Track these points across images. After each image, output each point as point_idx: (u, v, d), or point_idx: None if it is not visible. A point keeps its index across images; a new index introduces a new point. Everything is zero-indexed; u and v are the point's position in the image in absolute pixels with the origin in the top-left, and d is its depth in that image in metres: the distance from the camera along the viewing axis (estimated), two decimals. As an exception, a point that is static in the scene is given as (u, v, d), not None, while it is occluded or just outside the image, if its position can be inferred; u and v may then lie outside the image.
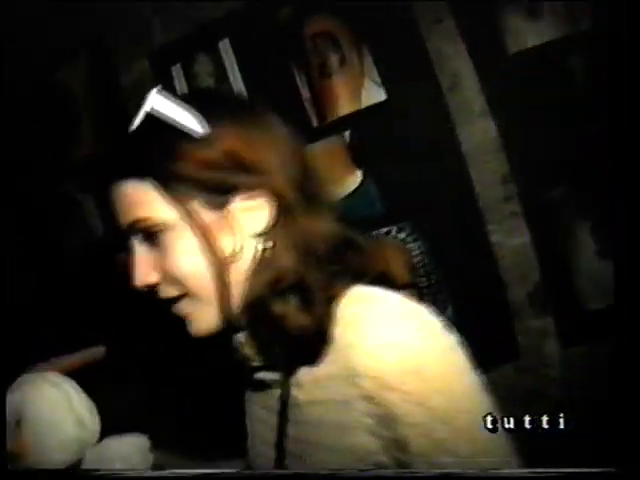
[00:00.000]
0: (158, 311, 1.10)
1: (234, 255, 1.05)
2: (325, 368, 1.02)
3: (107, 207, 2.61)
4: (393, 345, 0.95)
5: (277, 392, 1.08)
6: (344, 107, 2.14)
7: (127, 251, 2.54)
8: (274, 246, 1.06)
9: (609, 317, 1.94)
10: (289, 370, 1.06)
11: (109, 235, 2.64)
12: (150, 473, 0.91)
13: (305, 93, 2.21)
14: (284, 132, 1.12)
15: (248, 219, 1.06)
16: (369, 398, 0.95)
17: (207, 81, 2.37)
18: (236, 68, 2.31)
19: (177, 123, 1.04)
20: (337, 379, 0.99)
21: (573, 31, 1.87)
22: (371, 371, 0.95)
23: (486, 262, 2.09)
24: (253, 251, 1.07)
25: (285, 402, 1.07)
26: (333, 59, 2.15)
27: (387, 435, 0.96)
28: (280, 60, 2.25)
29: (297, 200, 1.06)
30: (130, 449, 0.93)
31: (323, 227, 1.07)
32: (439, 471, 0.92)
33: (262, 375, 1.11)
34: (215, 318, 1.07)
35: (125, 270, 2.74)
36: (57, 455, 0.88)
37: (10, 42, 2.54)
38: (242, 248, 1.06)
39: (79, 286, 2.67)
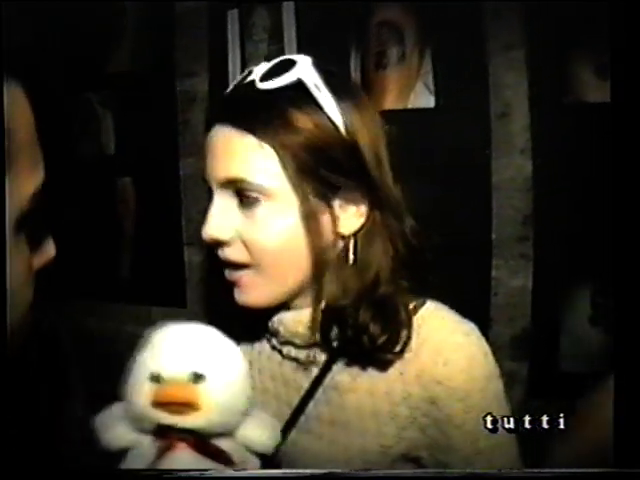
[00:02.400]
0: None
1: (325, 249, 1.04)
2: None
3: (124, 129, 2.59)
4: (463, 359, 1.04)
5: (309, 372, 1.10)
6: (389, 102, 2.09)
7: (136, 178, 2.47)
8: (366, 250, 1.06)
9: (580, 383, 2.00)
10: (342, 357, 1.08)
11: (119, 157, 2.61)
12: (153, 472, 0.90)
13: (356, 77, 2.16)
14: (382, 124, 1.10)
15: (344, 218, 1.04)
16: (433, 400, 1.03)
17: (260, 35, 2.32)
18: (293, 31, 2.25)
19: (321, 103, 1.01)
20: (405, 377, 1.04)
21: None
22: (446, 380, 1.02)
23: (480, 295, 2.07)
24: (343, 251, 1.06)
25: (319, 383, 1.08)
26: (393, 51, 2.10)
27: (435, 434, 1.04)
28: (339, 37, 2.21)
29: (392, 202, 1.07)
30: (260, 426, 0.96)
31: (406, 233, 1.09)
32: (439, 471, 0.98)
33: (298, 353, 1.10)
34: (273, 297, 1.06)
35: (124, 196, 2.70)
36: (235, 420, 0.91)
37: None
38: (335, 245, 1.05)
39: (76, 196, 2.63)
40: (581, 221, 1.92)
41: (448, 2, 1.98)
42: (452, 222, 2.03)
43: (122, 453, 0.91)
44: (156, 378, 0.89)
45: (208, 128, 1.06)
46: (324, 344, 1.08)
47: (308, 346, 1.09)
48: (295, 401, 1.09)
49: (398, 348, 1.04)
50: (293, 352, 1.10)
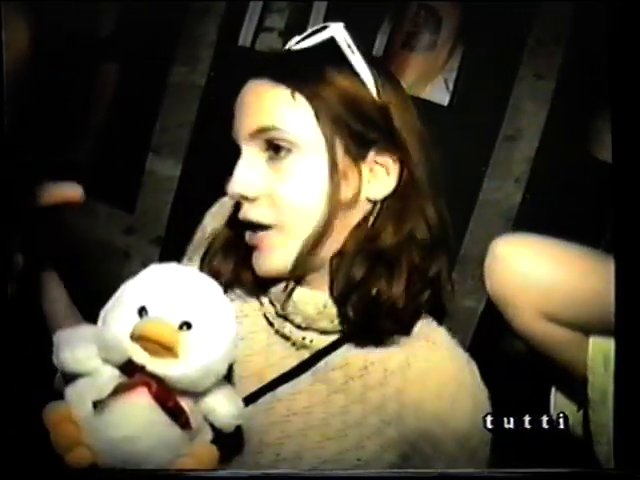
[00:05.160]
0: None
1: (350, 207, 0.98)
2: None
3: (127, 17, 2.46)
4: (469, 400, 0.99)
5: (299, 354, 1.03)
6: (404, 84, 2.02)
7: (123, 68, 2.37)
8: (385, 219, 1.00)
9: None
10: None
11: (112, 42, 2.49)
12: (154, 473, 0.83)
13: (379, 49, 2.09)
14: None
15: (373, 182, 0.99)
16: (426, 434, 0.97)
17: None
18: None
19: (353, 64, 0.99)
20: (403, 397, 0.98)
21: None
22: (449, 419, 0.98)
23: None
24: (362, 216, 1.00)
25: (306, 368, 1.02)
26: (426, 36, 2.04)
27: (417, 463, 0.98)
28: (374, 9, 2.13)
29: (421, 180, 1.01)
30: (229, 401, 0.89)
31: (432, 215, 1.02)
32: (438, 471, 0.95)
33: (292, 332, 1.02)
34: (291, 261, 0.98)
35: (105, 82, 2.57)
36: (208, 382, 0.86)
37: None
38: (358, 206, 0.99)
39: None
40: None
41: (497, 10, 1.93)
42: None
43: (73, 378, 0.84)
44: (144, 312, 0.83)
45: (238, 86, 1.02)
46: (342, 322, 1.00)
47: (306, 328, 1.01)
48: (269, 377, 1.02)
49: (411, 320, 1.01)
50: (287, 328, 1.02)
